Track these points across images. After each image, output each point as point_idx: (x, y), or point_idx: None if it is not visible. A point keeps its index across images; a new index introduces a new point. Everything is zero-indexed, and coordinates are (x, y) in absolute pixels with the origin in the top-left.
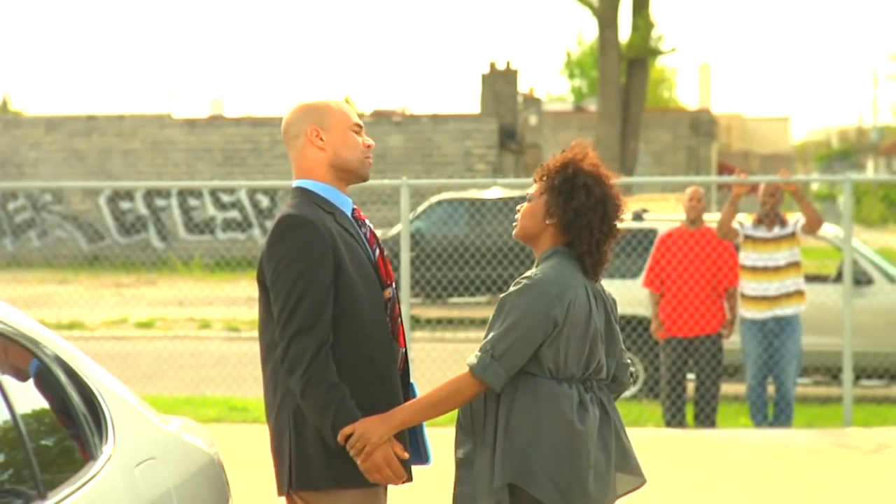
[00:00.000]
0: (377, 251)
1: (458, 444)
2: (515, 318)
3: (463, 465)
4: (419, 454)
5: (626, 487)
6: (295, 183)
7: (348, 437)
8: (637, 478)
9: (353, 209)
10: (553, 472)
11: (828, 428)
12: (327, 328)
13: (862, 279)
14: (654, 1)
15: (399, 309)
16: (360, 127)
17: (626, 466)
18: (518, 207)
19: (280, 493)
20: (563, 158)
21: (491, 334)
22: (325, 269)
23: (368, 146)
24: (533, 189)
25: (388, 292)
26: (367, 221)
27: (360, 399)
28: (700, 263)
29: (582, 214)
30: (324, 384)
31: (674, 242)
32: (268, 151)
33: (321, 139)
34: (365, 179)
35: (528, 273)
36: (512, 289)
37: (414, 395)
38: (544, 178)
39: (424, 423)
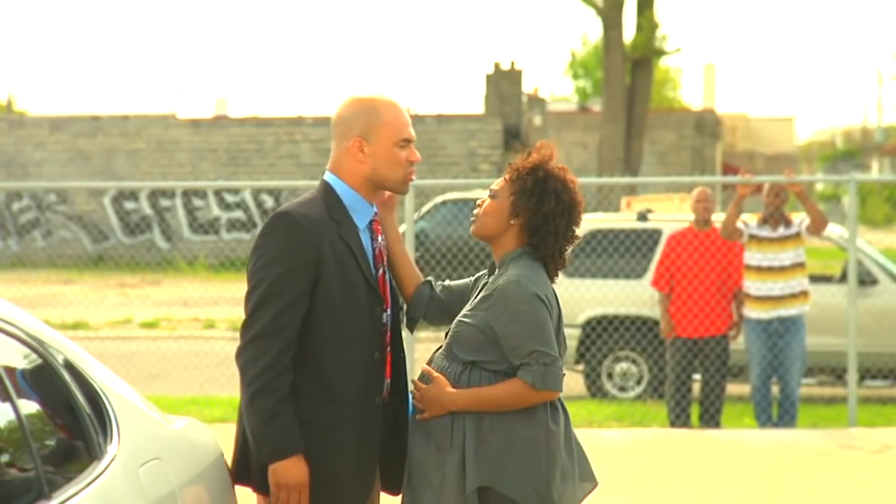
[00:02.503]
0: (381, 270)
1: (421, 451)
2: (532, 322)
3: (429, 470)
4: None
5: (582, 492)
6: (326, 175)
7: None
8: (590, 482)
9: (373, 220)
10: (530, 472)
11: (832, 428)
12: (290, 337)
13: (866, 279)
14: (658, 1)
15: (390, 338)
16: (407, 141)
17: (582, 471)
18: (478, 203)
19: (233, 480)
20: (533, 160)
21: (524, 346)
22: (303, 278)
23: (414, 161)
24: (496, 185)
25: (383, 317)
26: (381, 237)
27: (314, 417)
28: (707, 265)
29: (550, 219)
30: (274, 395)
31: (679, 243)
32: (272, 151)
33: (363, 152)
34: (403, 194)
35: (509, 277)
36: (505, 297)
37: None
38: (514, 179)
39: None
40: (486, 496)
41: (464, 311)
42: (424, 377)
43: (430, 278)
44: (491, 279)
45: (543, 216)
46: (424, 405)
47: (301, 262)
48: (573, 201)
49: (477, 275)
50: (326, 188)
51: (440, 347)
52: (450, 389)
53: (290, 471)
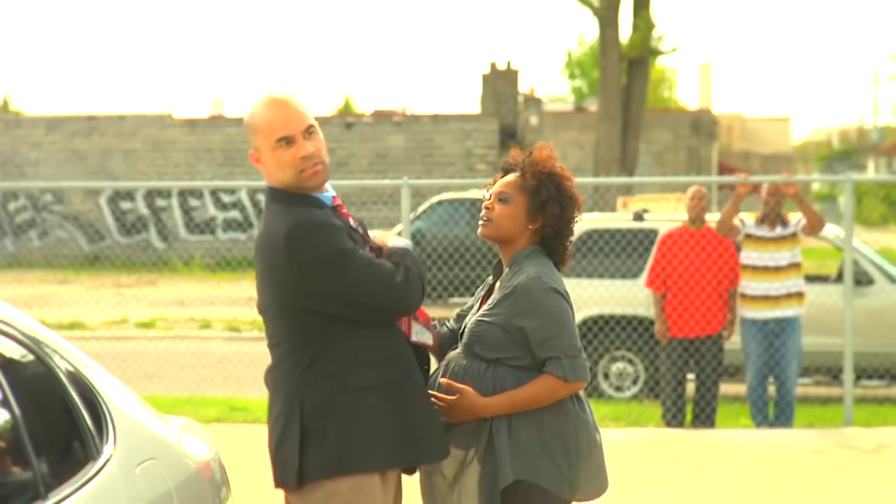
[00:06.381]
0: (367, 248)
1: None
2: (558, 316)
3: (446, 463)
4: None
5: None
6: (269, 184)
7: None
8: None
9: (332, 199)
10: (562, 462)
11: (828, 428)
12: None
13: (863, 279)
14: (654, 1)
15: None
16: (287, 140)
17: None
18: (485, 205)
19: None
20: (548, 166)
21: (551, 339)
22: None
23: (303, 157)
24: (504, 188)
25: None
26: (351, 219)
27: (370, 380)
28: (702, 264)
29: (568, 222)
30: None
31: (675, 242)
32: None
33: (260, 163)
34: (314, 190)
35: (529, 275)
36: (528, 293)
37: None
38: (530, 183)
39: None
40: (511, 489)
41: (482, 311)
42: (443, 388)
43: None
44: (503, 277)
45: (566, 222)
46: (454, 415)
47: (339, 230)
48: (579, 202)
49: (481, 287)
50: (280, 194)
51: (454, 348)
52: (482, 399)
53: None
